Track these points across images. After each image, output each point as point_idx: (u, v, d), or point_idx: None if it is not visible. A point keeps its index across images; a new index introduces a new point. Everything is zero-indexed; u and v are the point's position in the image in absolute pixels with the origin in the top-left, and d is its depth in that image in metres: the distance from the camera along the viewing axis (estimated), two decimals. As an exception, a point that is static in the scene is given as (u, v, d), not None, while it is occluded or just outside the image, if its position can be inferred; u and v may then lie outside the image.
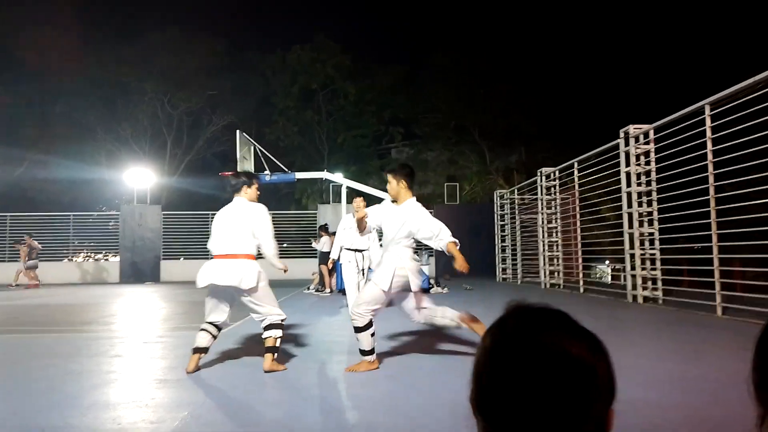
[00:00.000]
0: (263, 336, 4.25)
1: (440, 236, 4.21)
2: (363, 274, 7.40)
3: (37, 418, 3.07)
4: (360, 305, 4.17)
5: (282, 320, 4.31)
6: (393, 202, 4.51)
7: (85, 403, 3.34)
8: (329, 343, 5.57)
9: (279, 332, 4.26)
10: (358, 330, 4.15)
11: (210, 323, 4.25)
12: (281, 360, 4.38)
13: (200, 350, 4.19)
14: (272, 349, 4.20)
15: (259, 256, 4.31)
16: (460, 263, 4.07)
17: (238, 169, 12.22)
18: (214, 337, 4.28)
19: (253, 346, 5.30)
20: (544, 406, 0.65)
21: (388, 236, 4.35)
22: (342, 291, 10.28)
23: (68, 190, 24.91)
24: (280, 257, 4.50)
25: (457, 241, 4.24)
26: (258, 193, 4.60)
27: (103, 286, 16.37)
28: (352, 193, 11.04)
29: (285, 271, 4.49)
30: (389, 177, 4.42)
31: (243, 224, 4.26)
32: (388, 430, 2.86)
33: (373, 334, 4.21)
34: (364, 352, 4.21)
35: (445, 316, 4.38)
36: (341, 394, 3.62)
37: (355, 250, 7.48)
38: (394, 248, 4.26)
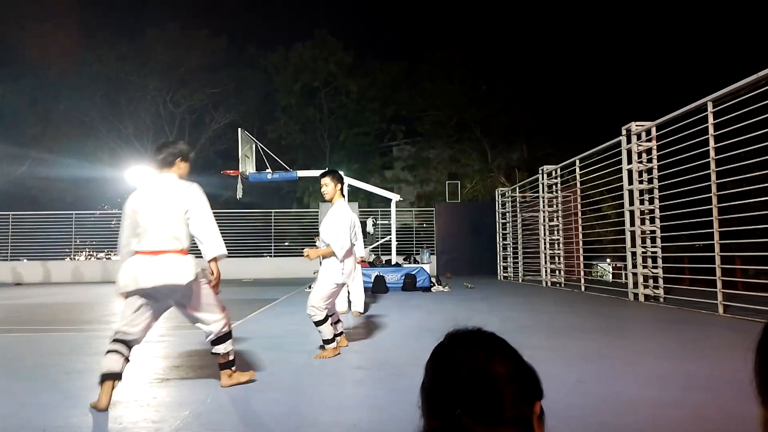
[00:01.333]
0: (212, 352, 3.63)
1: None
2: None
3: (38, 417, 3.08)
4: (317, 302, 4.69)
5: (228, 328, 3.63)
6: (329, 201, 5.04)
7: (86, 402, 3.35)
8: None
9: (229, 345, 3.61)
10: (319, 324, 4.68)
11: (120, 341, 3.35)
12: (249, 366, 4.14)
13: (113, 376, 3.23)
14: (227, 365, 3.64)
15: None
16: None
17: (240, 168, 12.23)
18: (127, 359, 3.38)
19: (255, 344, 5.31)
20: (467, 405, 0.87)
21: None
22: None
23: (71, 188, 24.95)
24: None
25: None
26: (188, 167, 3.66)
27: (105, 284, 16.39)
28: (355, 192, 11.03)
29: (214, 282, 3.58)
30: (326, 179, 4.97)
31: (174, 209, 3.37)
32: (390, 430, 2.86)
33: (333, 323, 4.82)
34: (327, 341, 4.72)
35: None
36: (342, 393, 3.62)
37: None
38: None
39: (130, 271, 3.26)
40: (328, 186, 4.92)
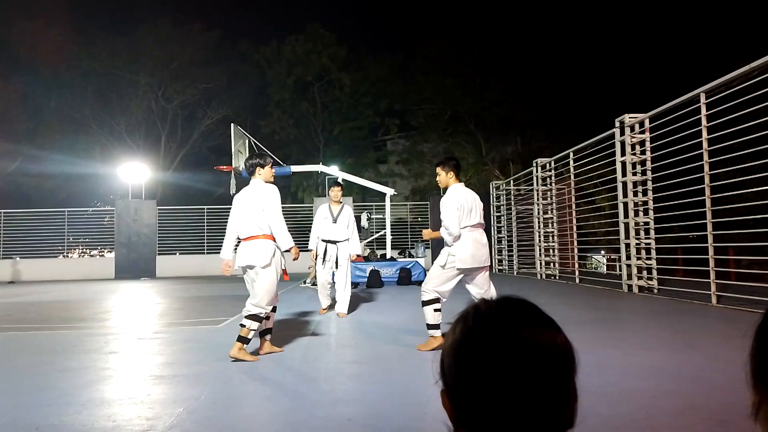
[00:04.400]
0: (240, 323, 4.39)
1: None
2: (337, 265, 6.96)
3: (32, 415, 3.06)
4: (426, 283, 4.70)
5: (264, 315, 4.41)
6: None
7: (80, 400, 3.33)
8: (326, 337, 5.57)
9: (255, 325, 4.37)
10: (423, 304, 4.64)
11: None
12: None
13: (265, 332, 4.56)
14: (243, 339, 4.32)
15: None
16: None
17: (233, 163, 12.18)
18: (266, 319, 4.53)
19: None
20: (530, 400, 0.67)
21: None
22: (354, 284, 10.06)
23: (63, 185, 24.82)
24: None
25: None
26: (272, 171, 4.82)
27: (98, 282, 16.33)
28: (350, 186, 10.98)
29: (295, 258, 4.55)
30: (437, 169, 4.91)
31: (255, 205, 4.51)
32: (385, 423, 2.86)
33: (437, 310, 4.63)
34: (428, 326, 4.63)
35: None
36: (337, 388, 3.61)
37: (329, 241, 7.04)
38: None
39: (237, 253, 4.53)
40: (439, 175, 4.88)
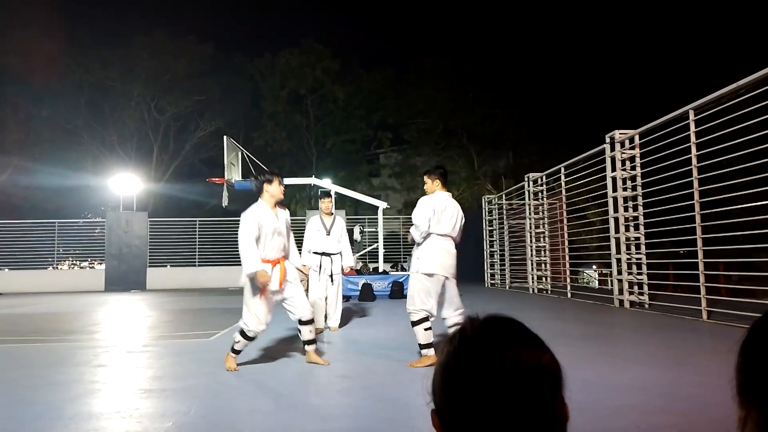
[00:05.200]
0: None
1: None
2: (332, 280, 6.84)
3: (18, 429, 3.02)
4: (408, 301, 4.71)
5: (250, 333, 4.45)
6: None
7: (67, 414, 3.29)
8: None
9: (239, 338, 4.48)
10: (413, 324, 4.61)
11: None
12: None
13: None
14: (232, 350, 4.53)
15: None
16: None
17: (226, 176, 12.17)
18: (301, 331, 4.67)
19: (242, 352, 5.25)
20: (516, 419, 0.67)
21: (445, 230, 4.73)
22: (346, 298, 10.01)
23: (53, 197, 24.63)
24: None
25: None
26: (281, 188, 4.67)
27: (88, 294, 16.17)
28: (342, 199, 10.94)
29: (261, 285, 4.46)
30: (425, 178, 4.93)
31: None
32: (375, 439, 2.84)
33: (427, 329, 4.58)
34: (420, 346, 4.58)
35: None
36: (327, 402, 3.59)
37: (323, 254, 6.87)
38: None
39: None
40: (426, 183, 4.92)
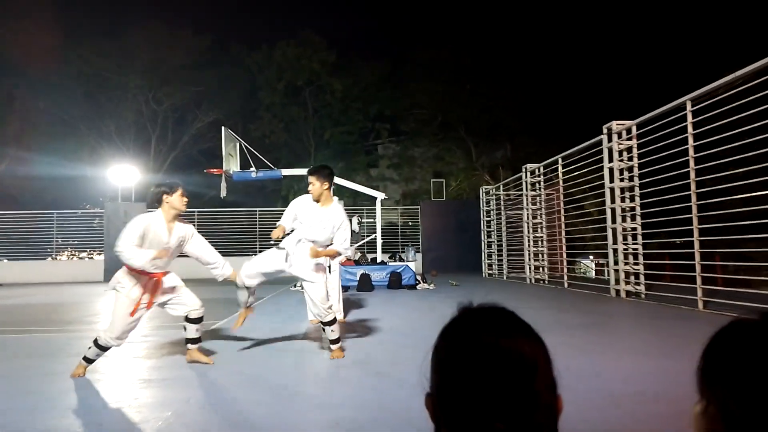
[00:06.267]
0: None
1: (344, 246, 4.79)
2: (329, 270, 6.68)
3: (16, 420, 3.04)
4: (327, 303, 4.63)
5: (96, 339, 4.13)
6: (315, 201, 4.73)
7: (66, 404, 3.32)
8: (315, 341, 5.57)
9: (90, 344, 4.16)
10: (329, 324, 4.60)
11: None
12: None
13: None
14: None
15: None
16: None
17: (224, 167, 12.15)
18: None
19: (240, 343, 5.28)
20: (499, 401, 0.71)
21: (312, 236, 4.67)
22: (345, 288, 9.99)
23: (51, 187, 24.57)
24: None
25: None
26: (184, 200, 4.22)
27: (87, 284, 16.19)
28: (340, 190, 10.87)
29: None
30: (311, 178, 4.65)
31: None
32: (373, 427, 2.87)
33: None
34: (335, 341, 4.65)
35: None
36: (326, 392, 3.62)
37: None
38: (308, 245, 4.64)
39: None
40: (312, 185, 4.64)
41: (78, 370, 4.05)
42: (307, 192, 4.73)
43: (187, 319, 4.36)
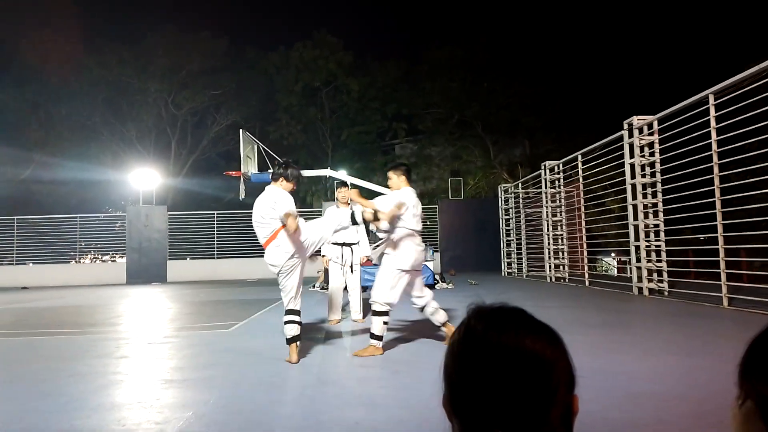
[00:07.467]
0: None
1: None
2: (351, 269, 6.87)
3: (42, 420, 3.09)
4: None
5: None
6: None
7: (90, 405, 3.36)
8: (334, 340, 5.58)
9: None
10: (376, 314, 4.67)
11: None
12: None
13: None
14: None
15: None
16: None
17: (242, 169, 12.24)
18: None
19: (259, 344, 5.32)
20: (512, 401, 0.72)
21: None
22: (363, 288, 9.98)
23: (74, 192, 25.04)
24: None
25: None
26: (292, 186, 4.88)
27: (110, 287, 16.45)
28: (342, 185, 10.80)
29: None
30: (389, 173, 5.08)
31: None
32: (393, 427, 2.86)
33: (386, 322, 4.71)
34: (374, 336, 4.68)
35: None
36: (345, 392, 3.62)
37: (343, 245, 6.88)
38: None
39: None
40: (390, 179, 5.08)
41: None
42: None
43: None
